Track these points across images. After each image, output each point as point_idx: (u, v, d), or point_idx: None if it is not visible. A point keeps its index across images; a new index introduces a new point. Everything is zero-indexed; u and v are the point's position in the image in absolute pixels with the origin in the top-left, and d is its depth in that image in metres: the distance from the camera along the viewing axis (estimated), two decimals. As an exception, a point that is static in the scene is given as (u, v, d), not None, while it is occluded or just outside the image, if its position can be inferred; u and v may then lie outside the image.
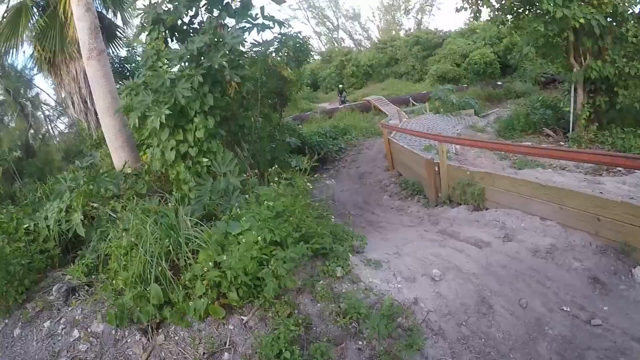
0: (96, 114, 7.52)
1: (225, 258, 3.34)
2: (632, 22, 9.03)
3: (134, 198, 4.67)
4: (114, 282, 3.60)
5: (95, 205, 4.65)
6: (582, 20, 8.35)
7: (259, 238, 3.47)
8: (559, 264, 3.94)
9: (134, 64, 14.72)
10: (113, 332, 3.38)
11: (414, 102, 20.71)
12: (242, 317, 3.41)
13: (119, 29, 11.94)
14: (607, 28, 8.91)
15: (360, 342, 3.20)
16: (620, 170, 7.03)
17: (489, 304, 3.50)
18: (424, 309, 3.47)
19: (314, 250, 3.96)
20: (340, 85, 29.11)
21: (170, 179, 5.35)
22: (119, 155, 6.05)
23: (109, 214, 4.52)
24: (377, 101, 23.07)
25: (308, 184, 5.18)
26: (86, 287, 3.89)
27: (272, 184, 4.78)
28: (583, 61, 9.68)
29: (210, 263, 3.40)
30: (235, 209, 4.12)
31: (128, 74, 13.59)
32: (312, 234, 4.12)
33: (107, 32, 10.59)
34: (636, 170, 6.65)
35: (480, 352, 3.07)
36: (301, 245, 3.67)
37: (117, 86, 6.40)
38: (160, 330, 3.38)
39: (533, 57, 11.36)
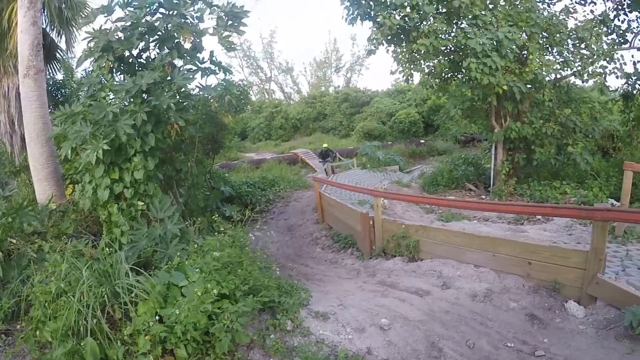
0: (22, 138, 6.98)
1: (176, 312, 3.23)
2: (547, 88, 10.62)
3: (60, 237, 4.43)
4: (37, 332, 3.31)
5: (14, 241, 4.34)
6: (505, 87, 9.66)
7: (211, 290, 3.42)
8: (497, 305, 4.35)
9: (69, 90, 13.89)
10: (38, 393, 3.06)
11: (340, 157, 21.68)
12: (190, 376, 3.26)
13: (60, 51, 11.36)
14: (526, 93, 10.34)
15: (319, 396, 3.21)
16: (539, 219, 7.94)
17: (438, 347, 3.73)
18: (378, 358, 3.61)
19: (263, 303, 3.99)
20: (325, 145, 21.97)
21: (101, 220, 5.13)
22: (43, 188, 5.73)
23: (31, 254, 4.22)
24: (305, 154, 23.90)
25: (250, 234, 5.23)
26: (2, 337, 3.54)
27: (216, 233, 4.75)
28: (503, 122, 11.04)
29: (153, 317, 3.28)
30: (177, 259, 4.06)
31: (61, 99, 12.85)
32: (259, 287, 4.17)
33: (48, 51, 9.97)
34: (554, 218, 7.60)
35: (437, 395, 3.22)
36: (251, 299, 3.70)
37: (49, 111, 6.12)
38: (94, 392, 3.10)
39: (459, 119, 12.74)
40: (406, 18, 9.72)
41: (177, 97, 5.17)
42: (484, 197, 11.66)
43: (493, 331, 3.92)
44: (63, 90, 14.13)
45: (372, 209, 7.49)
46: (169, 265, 4.00)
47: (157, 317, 3.31)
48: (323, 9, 73.92)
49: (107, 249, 4.06)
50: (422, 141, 25.33)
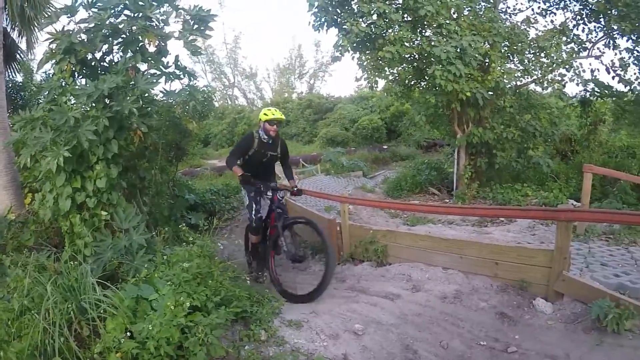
0: (-21, 144, 6.57)
1: (149, 327, 3.11)
2: (508, 95, 11.15)
3: (20, 250, 4.19)
4: (1, 353, 3.07)
5: None
6: (468, 94, 10.00)
7: (182, 303, 3.34)
8: (467, 305, 4.47)
9: (29, 93, 13.32)
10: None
11: (304, 163, 21.70)
12: (163, 392, 3.15)
13: (20, 52, 10.93)
14: (488, 100, 10.77)
15: (296, 406, 3.15)
16: (503, 220, 8.24)
17: (413, 350, 3.79)
18: (354, 363, 3.61)
19: (235, 314, 3.93)
20: None
21: (63, 232, 4.89)
22: (1, 197, 5.50)
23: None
24: (268, 162, 23.69)
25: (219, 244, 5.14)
26: (-40, 360, 3.26)
27: (184, 243, 4.64)
28: (466, 128, 11.42)
29: (123, 333, 3.14)
30: (145, 271, 3.92)
31: (21, 102, 12.40)
32: (230, 297, 4.11)
33: (8, 52, 9.51)
34: (517, 220, 7.94)
35: (414, 396, 3.28)
36: (224, 310, 3.64)
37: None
38: (64, 416, 2.96)
39: (423, 125, 13.10)
40: (372, 25, 9.94)
41: (140, 102, 5.03)
42: (447, 200, 11.98)
43: (465, 331, 4.03)
44: (22, 94, 13.65)
45: (339, 215, 7.54)
46: (137, 278, 3.84)
47: (127, 333, 3.17)
48: (288, 16, 73.77)
49: (71, 262, 3.84)
50: (385, 147, 25.76)
